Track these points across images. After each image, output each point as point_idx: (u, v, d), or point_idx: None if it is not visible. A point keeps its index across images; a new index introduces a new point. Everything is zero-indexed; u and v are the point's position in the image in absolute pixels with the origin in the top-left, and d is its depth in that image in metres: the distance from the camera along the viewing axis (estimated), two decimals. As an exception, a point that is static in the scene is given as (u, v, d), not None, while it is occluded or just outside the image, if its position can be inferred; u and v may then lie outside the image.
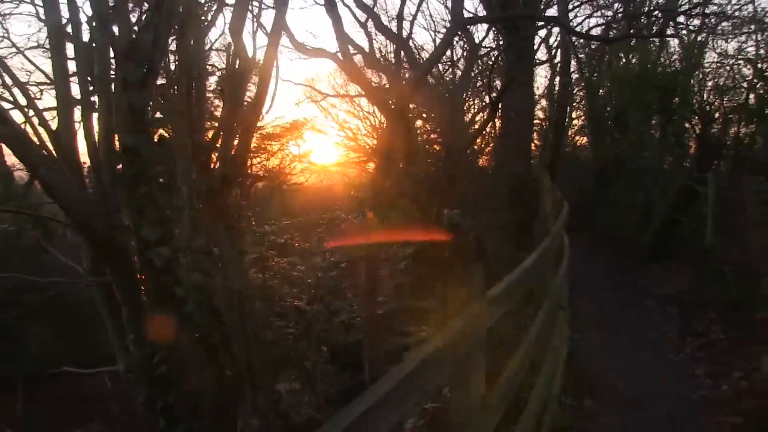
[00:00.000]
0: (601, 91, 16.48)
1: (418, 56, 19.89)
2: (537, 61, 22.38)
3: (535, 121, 22.11)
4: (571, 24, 18.76)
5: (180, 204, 6.35)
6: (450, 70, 21.13)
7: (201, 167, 6.82)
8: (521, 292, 3.04)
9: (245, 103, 7.75)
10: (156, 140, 5.08)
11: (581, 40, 18.67)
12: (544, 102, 22.82)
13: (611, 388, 5.17)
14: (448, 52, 22.32)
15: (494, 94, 13.48)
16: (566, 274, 5.76)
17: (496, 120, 17.81)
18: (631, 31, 14.80)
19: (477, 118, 20.04)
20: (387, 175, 9.93)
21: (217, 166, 7.09)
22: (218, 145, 7.21)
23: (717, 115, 11.42)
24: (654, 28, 15.06)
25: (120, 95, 4.86)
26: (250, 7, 10.47)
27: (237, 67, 8.74)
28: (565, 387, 4.72)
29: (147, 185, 4.82)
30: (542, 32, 20.75)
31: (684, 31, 15.66)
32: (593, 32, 18.02)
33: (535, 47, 22.57)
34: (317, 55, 23.51)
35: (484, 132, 17.60)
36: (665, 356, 6.09)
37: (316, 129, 28.58)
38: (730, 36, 15.22)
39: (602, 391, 5.10)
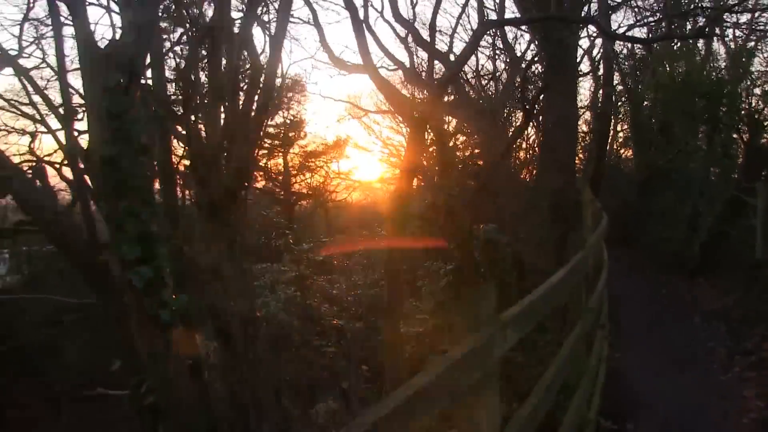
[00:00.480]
0: (645, 101, 16.10)
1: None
2: (580, 72, 22.18)
3: (579, 134, 21.86)
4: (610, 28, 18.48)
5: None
6: (491, 83, 21.08)
7: (200, 179, 6.52)
8: (546, 311, 2.70)
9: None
10: (140, 149, 4.51)
11: (624, 51, 18.37)
12: (588, 115, 22.55)
13: (654, 410, 4.98)
14: (490, 65, 22.32)
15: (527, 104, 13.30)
16: (604, 290, 5.60)
17: (535, 131, 17.62)
18: (671, 31, 14.42)
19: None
20: (408, 187, 9.66)
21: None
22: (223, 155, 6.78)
23: (766, 123, 10.97)
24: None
25: (98, 101, 4.52)
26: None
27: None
28: (604, 409, 4.56)
29: (128, 198, 4.43)
30: (585, 43, 20.53)
31: (729, 32, 15.20)
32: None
33: (578, 58, 22.46)
34: (356, 71, 23.69)
35: (517, 142, 17.36)
36: (713, 376, 5.84)
37: (359, 146, 28.81)
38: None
39: (645, 413, 4.91)
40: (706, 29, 12.69)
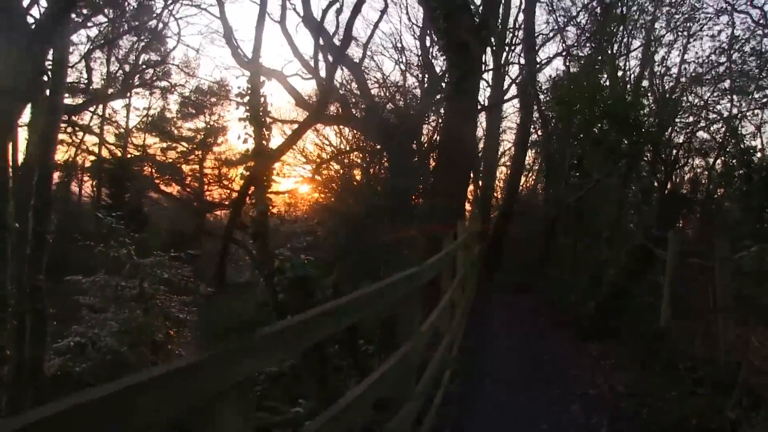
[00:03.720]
0: (556, 128, 14.41)
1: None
2: (503, 99, 20.91)
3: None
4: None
5: None
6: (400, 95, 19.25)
7: None
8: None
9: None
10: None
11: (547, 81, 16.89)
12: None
13: None
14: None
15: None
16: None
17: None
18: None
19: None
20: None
21: None
22: None
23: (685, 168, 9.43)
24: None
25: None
26: None
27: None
28: None
29: None
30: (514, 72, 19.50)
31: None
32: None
33: (505, 86, 21.20)
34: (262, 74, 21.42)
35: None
36: None
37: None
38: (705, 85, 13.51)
39: None
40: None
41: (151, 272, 12.71)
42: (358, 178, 19.13)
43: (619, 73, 13.11)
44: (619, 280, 8.39)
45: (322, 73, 19.12)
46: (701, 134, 12.36)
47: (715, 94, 12.60)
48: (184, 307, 13.90)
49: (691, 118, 10.99)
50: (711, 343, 5.67)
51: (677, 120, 10.67)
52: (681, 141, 11.52)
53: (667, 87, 13.40)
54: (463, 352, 7.03)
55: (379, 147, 17.21)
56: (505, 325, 9.54)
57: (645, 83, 12.93)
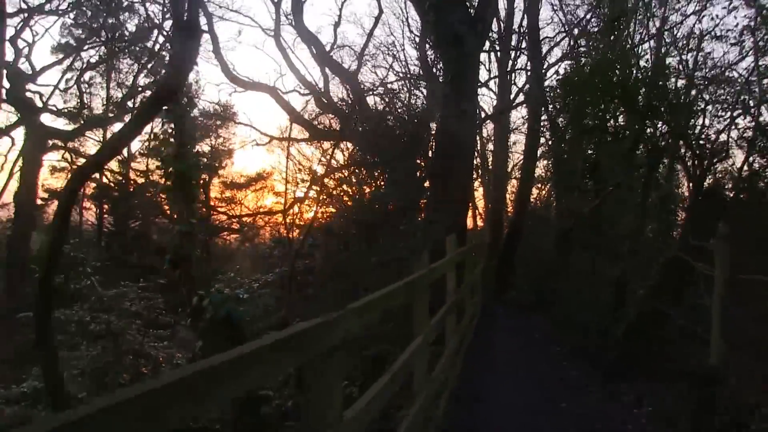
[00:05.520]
0: (567, 131, 12.81)
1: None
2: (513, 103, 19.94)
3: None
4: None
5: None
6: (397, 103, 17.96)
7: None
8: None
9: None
10: None
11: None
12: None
13: None
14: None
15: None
16: None
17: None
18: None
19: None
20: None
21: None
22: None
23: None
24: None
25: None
26: None
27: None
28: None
29: None
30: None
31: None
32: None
33: (512, 95, 20.06)
34: (254, 88, 20.22)
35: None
36: None
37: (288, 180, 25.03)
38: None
39: None
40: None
41: (117, 305, 11.33)
42: (352, 194, 17.74)
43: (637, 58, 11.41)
44: (649, 302, 6.85)
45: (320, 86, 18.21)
46: (741, 122, 10.14)
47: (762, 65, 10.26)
48: (159, 342, 12.49)
49: (729, 100, 9.11)
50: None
51: (708, 102, 8.81)
52: (719, 128, 9.56)
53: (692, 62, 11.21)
54: (458, 401, 5.54)
55: (377, 160, 15.91)
56: (513, 359, 7.99)
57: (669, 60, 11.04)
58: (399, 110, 17.80)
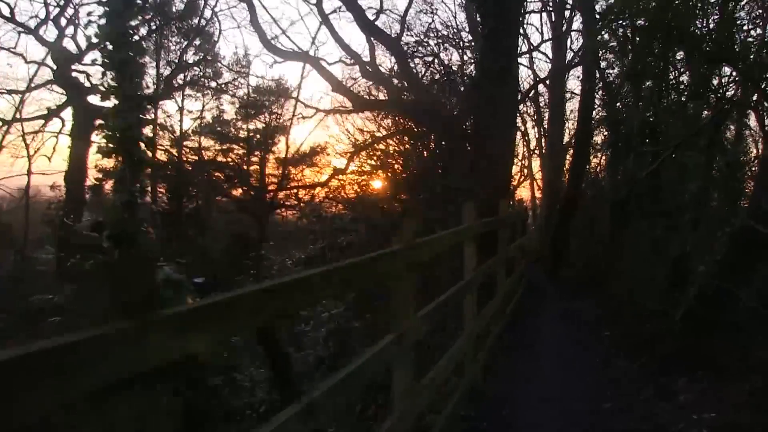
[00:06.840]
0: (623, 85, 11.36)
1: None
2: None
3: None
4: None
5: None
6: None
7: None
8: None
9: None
10: None
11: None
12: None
13: None
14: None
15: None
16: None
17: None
18: None
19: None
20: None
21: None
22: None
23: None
24: None
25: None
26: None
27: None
28: None
29: None
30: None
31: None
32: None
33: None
34: (292, 58, 19.73)
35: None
36: None
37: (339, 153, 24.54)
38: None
39: None
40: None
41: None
42: (396, 167, 16.81)
43: None
44: (713, 280, 5.77)
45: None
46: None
47: None
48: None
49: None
50: None
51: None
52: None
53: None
54: (481, 400, 4.73)
55: (425, 130, 15.02)
56: (557, 348, 7.07)
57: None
58: (448, 77, 16.78)
